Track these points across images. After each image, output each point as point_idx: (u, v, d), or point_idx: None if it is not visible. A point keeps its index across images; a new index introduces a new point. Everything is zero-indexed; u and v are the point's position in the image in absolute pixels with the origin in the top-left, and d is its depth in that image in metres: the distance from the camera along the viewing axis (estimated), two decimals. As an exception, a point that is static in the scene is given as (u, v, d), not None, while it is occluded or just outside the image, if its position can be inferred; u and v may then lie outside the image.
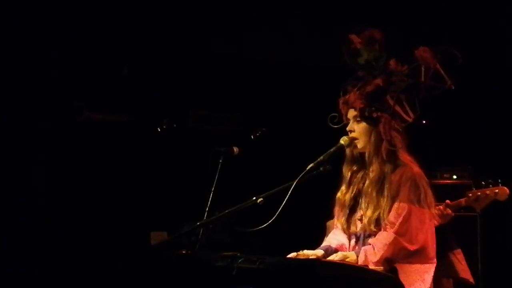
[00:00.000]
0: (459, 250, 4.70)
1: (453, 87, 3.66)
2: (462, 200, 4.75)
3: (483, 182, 4.72)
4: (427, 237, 3.66)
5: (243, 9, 6.27)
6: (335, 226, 3.97)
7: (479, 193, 4.70)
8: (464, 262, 4.68)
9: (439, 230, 3.99)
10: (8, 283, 6.21)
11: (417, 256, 3.63)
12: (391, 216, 3.66)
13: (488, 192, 4.68)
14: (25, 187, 6.35)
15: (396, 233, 3.62)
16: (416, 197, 3.68)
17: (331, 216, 4.04)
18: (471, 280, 4.70)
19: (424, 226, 3.66)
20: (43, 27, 6.34)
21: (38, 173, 6.40)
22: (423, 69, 3.66)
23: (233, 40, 6.82)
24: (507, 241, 6.95)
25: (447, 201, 4.70)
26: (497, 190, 4.66)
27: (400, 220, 3.63)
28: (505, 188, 4.66)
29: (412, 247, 3.61)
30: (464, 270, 4.68)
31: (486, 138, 7.26)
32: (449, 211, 4.68)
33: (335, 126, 3.88)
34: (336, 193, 3.93)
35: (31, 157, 6.39)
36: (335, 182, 3.94)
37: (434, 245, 3.71)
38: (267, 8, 6.27)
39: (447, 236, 4.65)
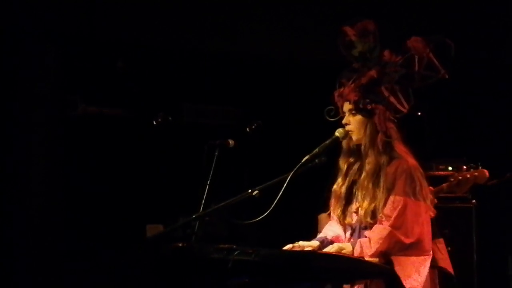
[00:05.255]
0: (441, 240, 4.65)
1: (446, 77, 3.66)
2: (444, 185, 4.73)
3: (464, 167, 4.72)
4: (423, 230, 3.66)
5: (238, 4, 6.26)
6: (331, 218, 3.97)
7: (460, 177, 4.69)
8: (444, 252, 4.62)
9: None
10: (5, 281, 6.20)
11: (413, 249, 3.62)
12: (387, 209, 3.66)
13: (468, 175, 4.67)
14: (19, 181, 6.34)
15: (391, 226, 3.61)
16: (412, 190, 3.68)
17: (323, 209, 4.04)
18: (450, 270, 4.66)
19: (419, 219, 3.66)
20: (38, 21, 6.33)
21: (33, 166, 6.38)
22: (416, 59, 3.66)
23: (228, 34, 6.81)
24: (502, 233, 6.96)
25: (430, 187, 4.69)
26: (476, 173, 4.66)
27: (395, 213, 3.63)
28: (485, 170, 4.66)
29: (407, 240, 3.61)
30: (443, 259, 4.61)
31: (481, 130, 7.27)
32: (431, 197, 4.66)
33: (332, 119, 3.88)
34: (332, 186, 3.93)
35: (25, 150, 6.37)
36: (331, 174, 3.95)
37: (430, 238, 3.71)
38: (261, 3, 6.26)
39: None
